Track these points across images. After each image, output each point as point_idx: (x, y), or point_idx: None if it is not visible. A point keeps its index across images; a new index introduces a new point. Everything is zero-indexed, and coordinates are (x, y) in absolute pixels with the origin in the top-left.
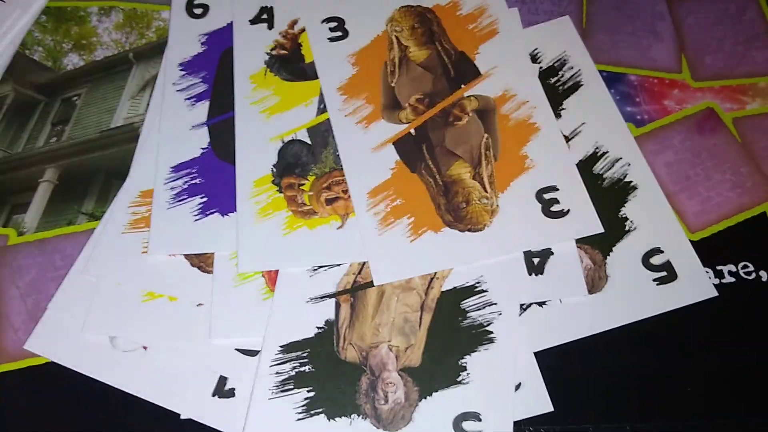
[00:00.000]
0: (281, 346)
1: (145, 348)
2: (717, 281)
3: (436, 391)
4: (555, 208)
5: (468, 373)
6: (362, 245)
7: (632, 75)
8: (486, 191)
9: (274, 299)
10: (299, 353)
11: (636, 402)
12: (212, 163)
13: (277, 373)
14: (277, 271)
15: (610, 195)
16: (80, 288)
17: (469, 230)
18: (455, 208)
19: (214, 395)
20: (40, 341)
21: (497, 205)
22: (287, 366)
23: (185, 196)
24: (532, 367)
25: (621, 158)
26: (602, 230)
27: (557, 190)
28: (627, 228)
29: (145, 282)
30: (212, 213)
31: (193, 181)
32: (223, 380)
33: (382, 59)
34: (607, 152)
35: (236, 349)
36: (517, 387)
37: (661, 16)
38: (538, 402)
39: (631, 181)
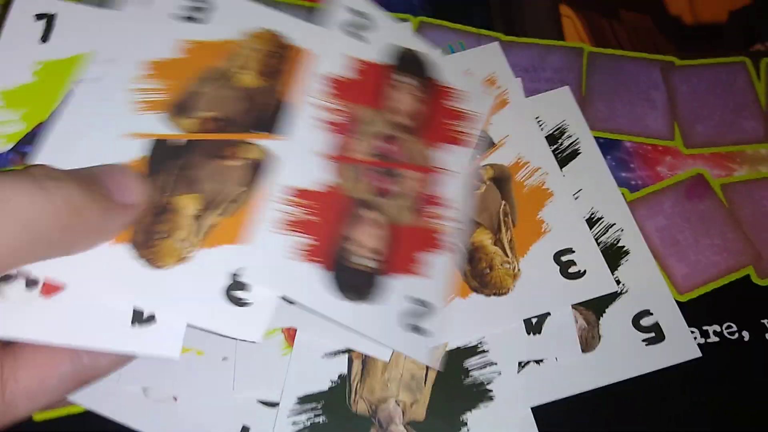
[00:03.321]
0: (298, 398)
1: (175, 399)
2: (703, 341)
3: None
4: (572, 269)
5: (468, 429)
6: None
7: (628, 142)
8: (507, 256)
9: (292, 354)
10: (314, 405)
11: None
12: None
13: (293, 423)
14: (296, 328)
15: (604, 259)
16: None
17: (494, 294)
18: (480, 274)
19: None
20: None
21: (519, 269)
22: (303, 417)
23: None
24: (529, 422)
25: (615, 224)
26: (617, 289)
27: (573, 252)
28: (619, 291)
29: None
30: None
31: None
32: (245, 430)
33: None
34: (602, 218)
35: (258, 401)
36: None
37: (656, 84)
38: None
39: (623, 246)
